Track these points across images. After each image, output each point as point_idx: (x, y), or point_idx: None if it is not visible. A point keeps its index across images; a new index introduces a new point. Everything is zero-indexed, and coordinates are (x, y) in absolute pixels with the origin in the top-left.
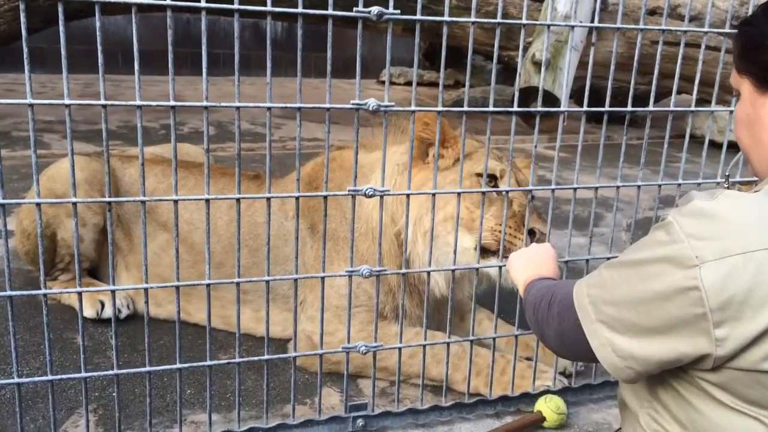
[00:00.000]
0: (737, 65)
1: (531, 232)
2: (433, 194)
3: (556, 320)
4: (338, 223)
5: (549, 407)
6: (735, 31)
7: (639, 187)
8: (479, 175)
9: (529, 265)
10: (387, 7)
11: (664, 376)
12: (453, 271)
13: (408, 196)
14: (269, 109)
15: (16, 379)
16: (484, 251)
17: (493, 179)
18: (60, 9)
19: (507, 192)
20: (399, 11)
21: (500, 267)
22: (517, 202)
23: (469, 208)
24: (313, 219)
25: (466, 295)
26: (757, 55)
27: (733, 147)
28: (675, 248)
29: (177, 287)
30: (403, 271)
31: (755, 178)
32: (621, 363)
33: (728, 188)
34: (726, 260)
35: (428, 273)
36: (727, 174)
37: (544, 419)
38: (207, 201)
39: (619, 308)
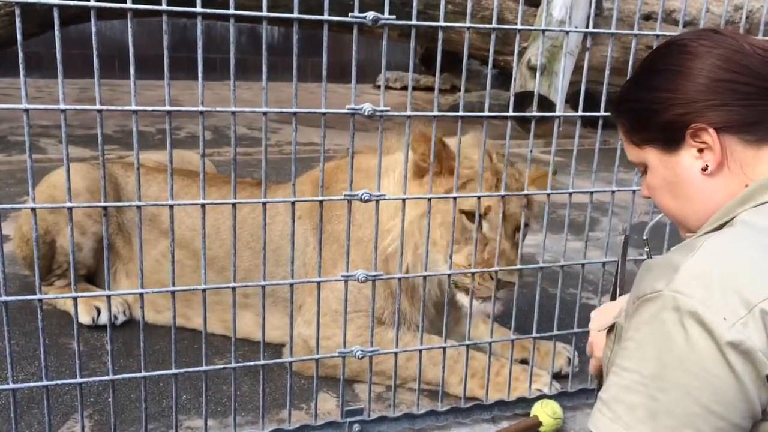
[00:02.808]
0: (634, 141)
1: (499, 282)
2: (429, 198)
3: None
4: (340, 225)
5: (545, 412)
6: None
7: (634, 191)
8: (463, 212)
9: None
10: (383, 13)
11: None
12: (449, 275)
13: (404, 205)
14: (265, 113)
15: (11, 385)
16: (457, 285)
17: (469, 216)
18: (55, 14)
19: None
20: (395, 16)
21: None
22: (489, 248)
23: (447, 239)
24: (318, 220)
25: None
26: (651, 121)
27: None
28: (700, 322)
29: (173, 292)
30: (399, 275)
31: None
32: None
33: (650, 251)
34: (755, 310)
35: (424, 278)
36: (645, 238)
37: (540, 424)
38: (203, 206)
39: (684, 422)
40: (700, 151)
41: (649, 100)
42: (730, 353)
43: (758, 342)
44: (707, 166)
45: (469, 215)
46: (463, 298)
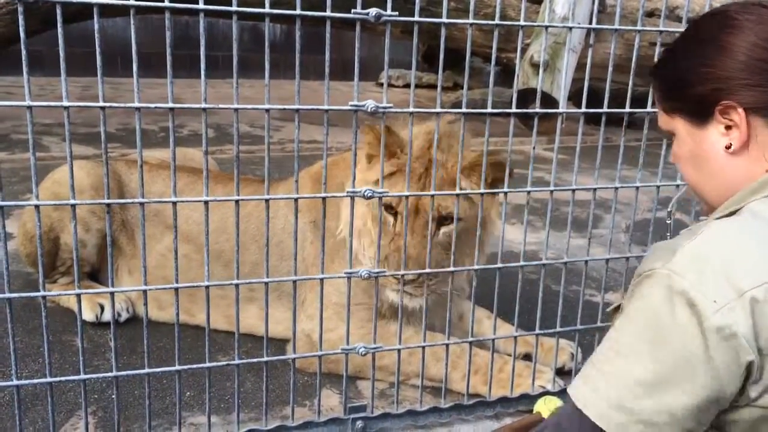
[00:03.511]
0: (665, 108)
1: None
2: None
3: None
4: (334, 221)
5: (549, 409)
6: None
7: (638, 188)
8: (384, 205)
9: None
10: (385, 9)
11: None
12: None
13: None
14: (268, 111)
15: (15, 381)
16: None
17: (389, 209)
18: (58, 11)
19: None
20: (397, 13)
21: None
22: (393, 244)
23: (367, 225)
24: (317, 215)
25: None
26: (684, 92)
27: None
28: (689, 301)
29: (176, 289)
30: (402, 272)
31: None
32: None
33: (671, 224)
34: (745, 296)
35: (427, 275)
36: (670, 210)
37: (543, 420)
38: (206, 203)
39: (656, 395)
40: (728, 128)
41: (685, 69)
42: (711, 337)
43: (743, 328)
44: (731, 144)
45: (388, 208)
46: (391, 294)
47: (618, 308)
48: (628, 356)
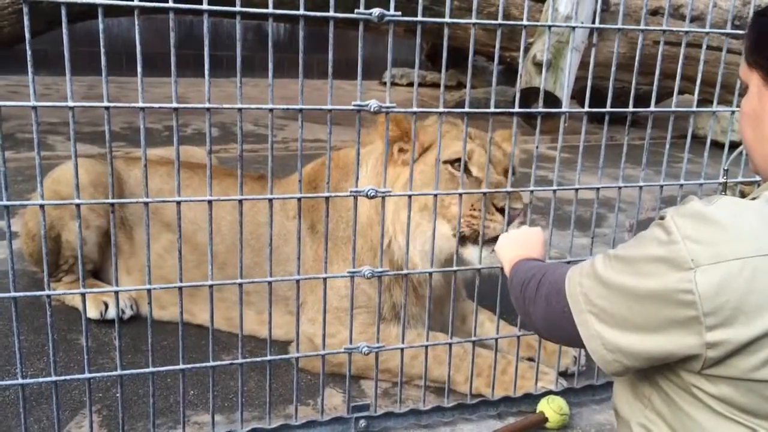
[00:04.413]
0: (747, 58)
1: (502, 211)
2: (435, 194)
3: (543, 302)
4: (335, 223)
5: (551, 408)
6: (736, 31)
7: (641, 187)
8: (447, 162)
9: (516, 246)
10: (388, 9)
11: (659, 383)
12: (455, 271)
13: (410, 201)
14: (271, 110)
15: (21, 380)
16: (465, 238)
17: (466, 167)
18: (63, 11)
19: (485, 193)
20: (400, 13)
21: (480, 253)
22: (483, 185)
23: (442, 199)
24: (312, 219)
25: (458, 284)
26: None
27: (736, 147)
28: (672, 249)
29: (180, 288)
30: (405, 272)
31: (756, 178)
32: (609, 356)
33: (726, 182)
34: (721, 265)
35: (430, 274)
36: (725, 168)
37: (546, 420)
38: (209, 202)
39: (611, 302)
40: None
41: None
42: (676, 294)
43: (709, 291)
44: None
45: (453, 163)
46: (470, 253)
47: None
48: (614, 269)
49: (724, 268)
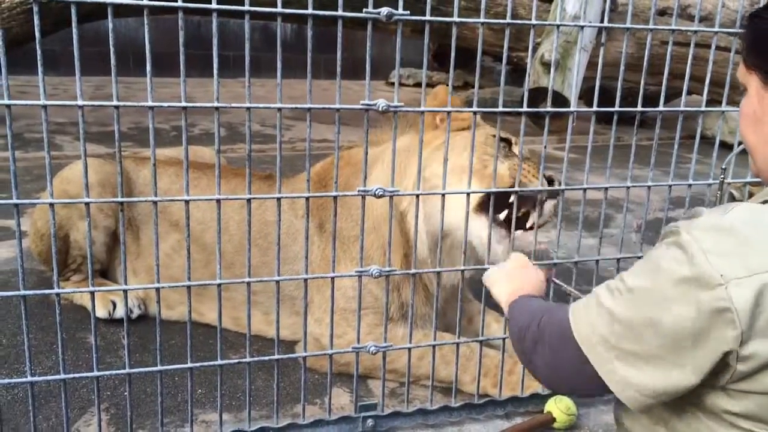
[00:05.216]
0: (745, 60)
1: (550, 181)
2: (443, 194)
3: (548, 352)
4: (344, 222)
5: (559, 408)
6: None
7: (649, 187)
8: (494, 135)
9: (510, 280)
10: (396, 8)
11: (681, 405)
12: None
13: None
14: (279, 110)
15: (30, 378)
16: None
17: (507, 143)
18: (73, 11)
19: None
20: (408, 12)
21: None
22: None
23: (482, 158)
24: (321, 217)
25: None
26: (767, 50)
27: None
28: (695, 267)
29: (188, 287)
30: (413, 271)
31: (756, 179)
32: (648, 400)
33: (724, 181)
34: (754, 278)
35: (438, 273)
36: (723, 167)
37: (554, 420)
38: (218, 201)
39: (638, 342)
40: None
41: None
42: (713, 314)
43: (746, 306)
44: None
45: (503, 141)
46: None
47: None
48: (626, 298)
49: (758, 280)
